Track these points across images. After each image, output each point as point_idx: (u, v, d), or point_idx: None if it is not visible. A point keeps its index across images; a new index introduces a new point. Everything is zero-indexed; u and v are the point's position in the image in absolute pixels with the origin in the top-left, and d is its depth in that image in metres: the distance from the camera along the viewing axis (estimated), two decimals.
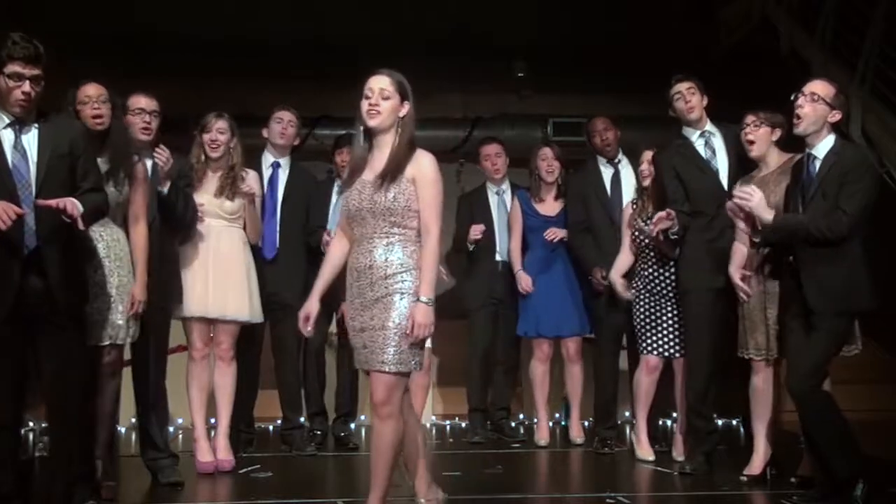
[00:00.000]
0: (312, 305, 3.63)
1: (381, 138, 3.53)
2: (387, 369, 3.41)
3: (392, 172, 3.45)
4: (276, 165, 5.48)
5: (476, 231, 5.81)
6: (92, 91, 4.15)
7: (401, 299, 3.41)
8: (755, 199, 4.13)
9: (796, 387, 4.03)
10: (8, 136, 3.63)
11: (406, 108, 3.53)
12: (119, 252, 4.18)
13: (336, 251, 3.66)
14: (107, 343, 4.11)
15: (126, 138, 4.35)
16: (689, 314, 4.90)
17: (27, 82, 3.58)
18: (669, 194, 4.93)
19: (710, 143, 5.00)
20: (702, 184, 4.86)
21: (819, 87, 4.10)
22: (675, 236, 4.88)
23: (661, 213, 4.87)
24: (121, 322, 4.13)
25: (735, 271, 4.55)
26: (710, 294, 4.77)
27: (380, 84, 3.49)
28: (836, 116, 4.10)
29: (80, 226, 3.62)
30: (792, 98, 4.11)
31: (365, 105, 3.49)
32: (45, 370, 3.75)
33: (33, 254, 3.62)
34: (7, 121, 3.63)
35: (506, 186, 6.08)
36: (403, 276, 3.43)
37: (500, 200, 6.04)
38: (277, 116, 5.43)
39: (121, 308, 4.14)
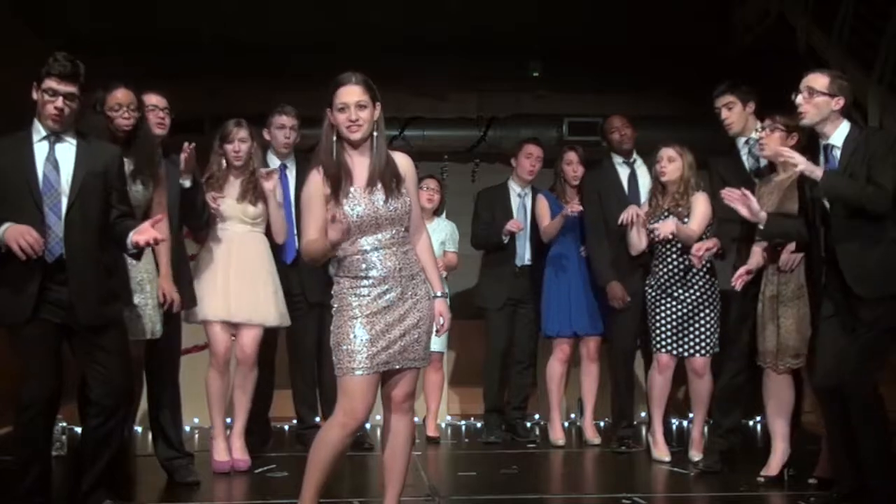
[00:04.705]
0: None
1: (360, 145, 3.50)
2: (422, 365, 3.55)
3: (398, 180, 3.48)
4: (282, 168, 5.35)
5: (514, 225, 5.70)
6: (123, 98, 4.17)
7: (425, 298, 3.51)
8: (800, 162, 3.98)
9: (848, 383, 3.91)
10: (42, 148, 3.74)
11: (378, 110, 3.50)
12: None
13: None
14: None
15: (152, 140, 4.39)
16: (730, 314, 4.88)
17: (60, 98, 3.67)
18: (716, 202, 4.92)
19: (753, 152, 4.94)
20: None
21: (813, 81, 4.06)
22: (722, 250, 4.87)
23: (699, 248, 4.81)
24: (142, 317, 4.20)
25: (743, 269, 4.54)
26: (747, 296, 4.69)
27: (354, 98, 3.41)
28: (839, 103, 4.05)
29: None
30: (793, 96, 4.09)
31: (344, 120, 3.43)
32: (85, 374, 3.81)
33: (57, 262, 3.67)
34: (43, 133, 3.74)
35: (528, 190, 6.00)
36: (420, 274, 3.53)
37: (522, 204, 5.95)
38: (279, 123, 5.30)
39: (147, 303, 4.21)
